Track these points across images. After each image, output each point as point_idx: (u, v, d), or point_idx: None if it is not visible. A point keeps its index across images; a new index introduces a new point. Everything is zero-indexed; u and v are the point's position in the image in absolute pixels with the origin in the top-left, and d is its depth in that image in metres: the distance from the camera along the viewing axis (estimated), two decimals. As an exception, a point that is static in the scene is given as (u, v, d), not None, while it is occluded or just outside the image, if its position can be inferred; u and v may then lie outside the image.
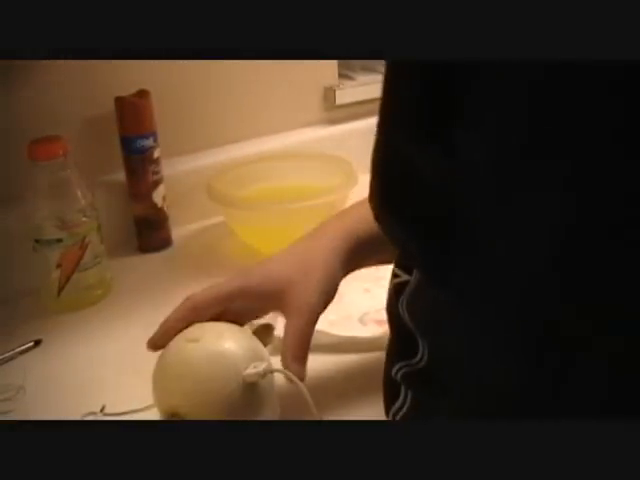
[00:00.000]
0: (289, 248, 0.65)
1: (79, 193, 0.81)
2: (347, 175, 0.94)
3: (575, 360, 0.38)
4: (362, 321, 0.75)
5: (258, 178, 1.01)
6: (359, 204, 0.67)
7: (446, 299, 0.45)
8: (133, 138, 0.91)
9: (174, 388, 0.55)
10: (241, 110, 1.08)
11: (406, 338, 0.51)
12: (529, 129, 0.35)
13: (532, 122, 0.35)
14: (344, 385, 0.67)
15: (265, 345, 0.61)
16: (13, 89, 0.86)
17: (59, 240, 0.80)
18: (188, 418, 0.53)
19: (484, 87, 0.36)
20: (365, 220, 0.59)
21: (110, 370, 0.71)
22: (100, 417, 0.62)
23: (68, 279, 0.81)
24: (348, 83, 1.19)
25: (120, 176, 0.95)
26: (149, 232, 0.96)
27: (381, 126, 0.46)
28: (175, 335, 0.58)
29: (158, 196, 0.95)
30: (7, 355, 0.73)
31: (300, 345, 0.58)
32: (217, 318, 0.60)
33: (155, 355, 0.58)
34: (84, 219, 0.81)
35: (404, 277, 0.52)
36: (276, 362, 0.57)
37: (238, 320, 0.61)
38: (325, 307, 0.61)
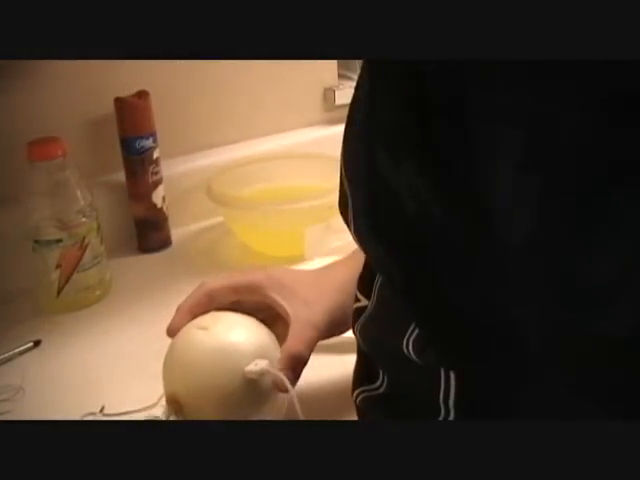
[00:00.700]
0: (308, 270, 0.65)
1: (78, 193, 0.81)
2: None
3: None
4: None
5: (258, 178, 1.01)
6: None
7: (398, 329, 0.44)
8: (133, 139, 0.91)
9: (177, 374, 0.55)
10: (241, 110, 1.08)
11: (366, 363, 0.50)
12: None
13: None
14: (344, 385, 0.67)
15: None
16: (13, 89, 0.86)
17: (58, 240, 0.80)
18: (186, 405, 0.53)
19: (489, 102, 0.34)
20: None
21: (109, 370, 0.71)
22: (99, 417, 0.62)
23: (67, 279, 0.81)
24: (348, 83, 1.19)
25: (120, 176, 0.95)
26: (148, 232, 0.96)
27: (360, 134, 0.43)
28: (191, 320, 0.57)
29: (157, 196, 0.95)
30: (6, 355, 0.73)
31: (296, 359, 0.57)
32: (233, 308, 0.59)
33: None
34: (83, 219, 0.81)
35: (363, 302, 0.51)
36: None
37: (253, 314, 0.60)
38: (330, 331, 0.60)
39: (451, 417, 0.41)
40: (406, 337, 0.43)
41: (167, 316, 0.60)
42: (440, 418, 0.41)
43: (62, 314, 0.81)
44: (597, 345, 0.34)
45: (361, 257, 0.62)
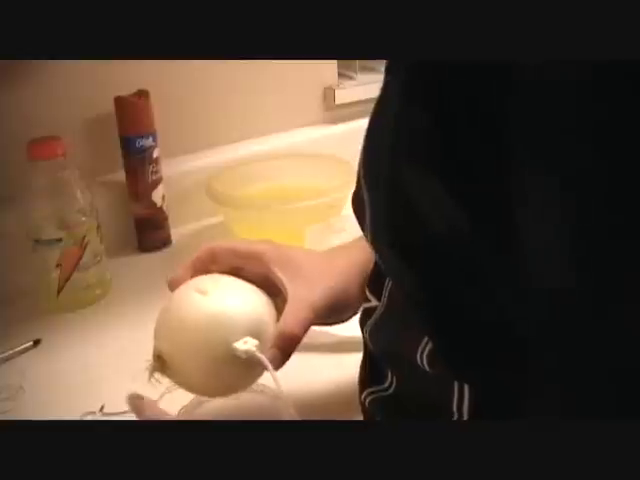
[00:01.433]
0: (316, 251, 0.63)
1: (78, 193, 0.81)
2: (347, 175, 0.94)
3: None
4: (361, 321, 0.75)
5: (258, 178, 1.01)
6: None
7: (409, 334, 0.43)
8: (133, 138, 0.91)
9: (167, 333, 0.54)
10: (241, 110, 1.08)
11: (374, 363, 0.50)
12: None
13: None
14: (344, 385, 0.67)
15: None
16: (13, 89, 0.86)
17: (58, 240, 0.80)
18: (171, 366, 0.52)
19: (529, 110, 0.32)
20: None
21: (109, 370, 0.71)
22: (99, 417, 0.62)
23: (67, 279, 0.81)
24: (348, 83, 1.19)
25: (120, 176, 0.95)
26: (148, 232, 0.96)
27: (384, 146, 0.40)
28: (192, 275, 0.57)
29: (157, 196, 0.95)
30: (6, 355, 0.73)
31: (288, 339, 0.55)
32: (235, 273, 0.58)
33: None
34: (83, 219, 0.81)
35: (373, 302, 0.50)
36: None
37: (255, 284, 0.58)
38: (328, 316, 0.58)
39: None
40: (420, 347, 0.42)
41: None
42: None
43: (62, 313, 0.81)
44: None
45: (366, 246, 0.62)
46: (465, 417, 0.41)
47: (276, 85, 1.11)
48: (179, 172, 1.00)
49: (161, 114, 0.94)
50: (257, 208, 0.91)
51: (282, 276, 0.57)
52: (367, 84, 1.19)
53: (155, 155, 0.93)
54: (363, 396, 0.51)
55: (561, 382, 0.35)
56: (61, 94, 0.90)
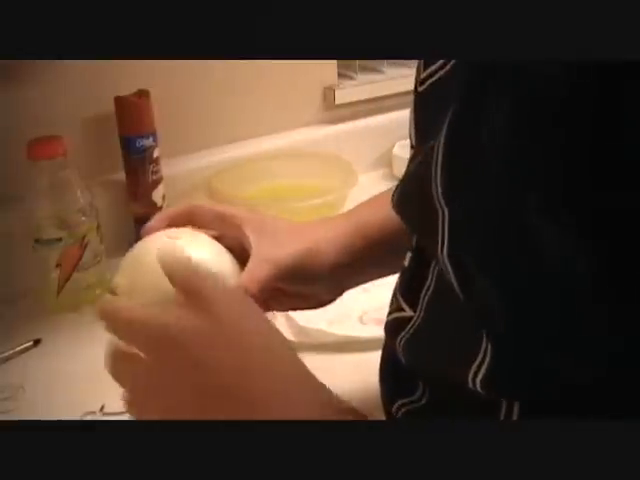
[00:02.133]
0: (300, 222, 0.60)
1: (79, 193, 0.81)
2: (347, 175, 0.94)
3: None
4: (362, 320, 0.75)
5: (258, 177, 1.01)
6: (372, 209, 0.62)
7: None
8: (133, 138, 0.91)
9: (126, 267, 0.54)
10: (241, 110, 1.08)
11: (403, 373, 0.48)
12: None
13: None
14: (343, 385, 0.67)
15: None
16: (13, 89, 0.86)
17: (59, 240, 0.80)
18: (122, 299, 0.52)
19: None
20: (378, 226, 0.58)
21: (109, 370, 0.71)
22: (99, 416, 0.62)
23: (67, 279, 0.81)
24: (348, 83, 1.19)
25: (120, 176, 0.95)
26: (149, 232, 0.96)
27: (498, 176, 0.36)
28: (166, 227, 0.56)
29: (158, 196, 0.95)
30: (6, 354, 0.73)
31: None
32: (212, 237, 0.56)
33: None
34: (83, 219, 0.81)
35: (408, 312, 0.48)
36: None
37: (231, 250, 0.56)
38: (294, 276, 0.55)
39: None
40: (473, 368, 0.40)
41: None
42: None
43: (62, 313, 0.81)
44: None
45: (352, 222, 0.60)
46: None
47: (276, 85, 1.11)
48: (179, 172, 1.00)
49: (161, 114, 0.94)
50: (257, 208, 0.91)
51: (250, 235, 0.55)
52: (367, 84, 1.19)
53: (155, 155, 0.93)
54: (394, 409, 0.49)
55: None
56: (61, 94, 0.90)
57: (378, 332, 0.70)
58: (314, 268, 0.56)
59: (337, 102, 1.17)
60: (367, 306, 0.76)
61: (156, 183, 0.94)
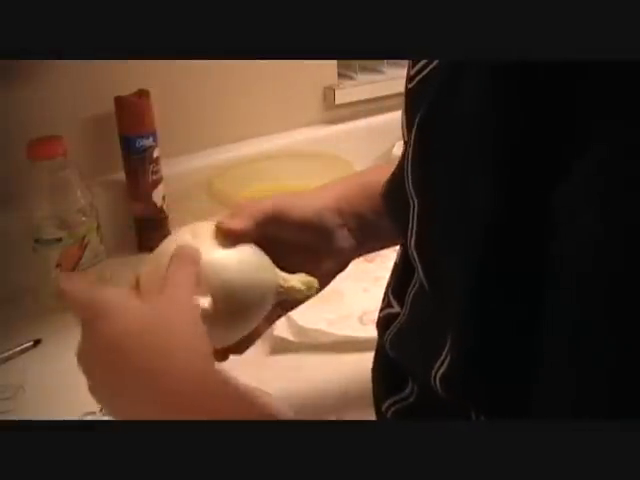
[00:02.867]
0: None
1: (79, 193, 0.81)
2: (347, 175, 0.94)
3: None
4: (361, 321, 0.75)
5: (258, 178, 1.01)
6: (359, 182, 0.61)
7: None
8: (133, 138, 0.91)
9: (149, 261, 0.55)
10: (241, 110, 1.08)
11: (393, 369, 0.49)
12: None
13: None
14: (343, 385, 0.67)
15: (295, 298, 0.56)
16: (13, 89, 0.86)
17: (59, 240, 0.80)
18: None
19: None
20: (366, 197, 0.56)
21: (109, 370, 0.71)
22: (99, 417, 0.62)
23: (68, 279, 0.81)
24: (348, 83, 1.19)
25: (120, 176, 0.95)
26: (149, 232, 0.96)
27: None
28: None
29: (158, 196, 0.95)
30: (6, 355, 0.73)
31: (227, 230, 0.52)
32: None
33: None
34: (83, 219, 0.81)
35: (396, 308, 0.49)
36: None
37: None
38: (277, 221, 0.54)
39: None
40: (436, 366, 0.40)
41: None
42: None
43: (62, 313, 0.81)
44: None
45: (332, 186, 0.58)
46: None
47: (276, 85, 1.11)
48: (179, 172, 1.00)
49: (161, 114, 0.94)
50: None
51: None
52: (367, 84, 1.19)
53: (155, 155, 0.93)
54: (384, 408, 0.50)
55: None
56: (61, 94, 0.90)
57: (378, 332, 0.71)
58: (294, 213, 0.54)
59: (337, 102, 1.17)
60: (367, 306, 0.76)
61: (156, 183, 0.94)
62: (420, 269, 0.41)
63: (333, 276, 0.58)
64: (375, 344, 0.60)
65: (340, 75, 1.19)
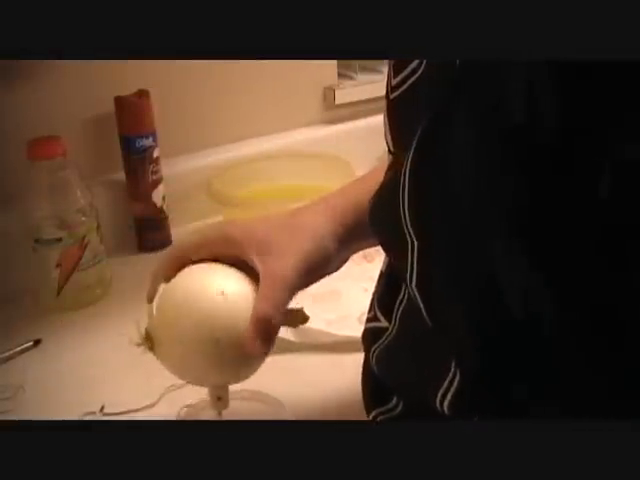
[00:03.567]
0: (278, 214, 0.60)
1: (78, 193, 0.81)
2: (346, 175, 0.94)
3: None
4: (361, 321, 0.75)
5: (258, 177, 1.01)
6: (349, 188, 0.63)
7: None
8: (133, 138, 0.91)
9: (159, 313, 0.54)
10: (241, 110, 1.08)
11: (377, 383, 0.49)
12: None
13: None
14: (342, 385, 0.67)
15: (294, 327, 0.57)
16: (13, 88, 0.86)
17: (58, 240, 0.80)
18: (158, 345, 0.54)
19: None
20: (356, 203, 0.56)
21: (109, 370, 0.71)
22: (99, 417, 0.62)
23: (67, 279, 0.81)
24: (348, 83, 1.19)
25: (120, 176, 0.95)
26: (149, 232, 0.96)
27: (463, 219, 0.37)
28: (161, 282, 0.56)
29: (158, 196, 0.95)
30: (6, 355, 0.73)
31: (264, 323, 0.52)
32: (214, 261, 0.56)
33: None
34: (83, 219, 0.81)
35: (383, 323, 0.48)
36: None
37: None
38: (305, 281, 0.55)
39: None
40: (441, 391, 0.40)
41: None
42: None
43: (62, 313, 0.81)
44: None
45: (331, 204, 0.60)
46: None
47: (276, 85, 1.11)
48: (179, 172, 1.00)
49: (161, 114, 0.94)
50: (257, 208, 0.91)
51: (255, 257, 0.54)
52: (367, 84, 1.19)
53: (155, 155, 0.93)
54: (372, 416, 0.50)
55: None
56: (61, 94, 0.90)
57: (378, 332, 0.71)
58: (324, 259, 0.55)
59: (337, 102, 1.17)
60: (366, 306, 0.75)
61: (156, 183, 0.94)
62: (423, 308, 0.41)
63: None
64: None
65: (340, 75, 1.19)
